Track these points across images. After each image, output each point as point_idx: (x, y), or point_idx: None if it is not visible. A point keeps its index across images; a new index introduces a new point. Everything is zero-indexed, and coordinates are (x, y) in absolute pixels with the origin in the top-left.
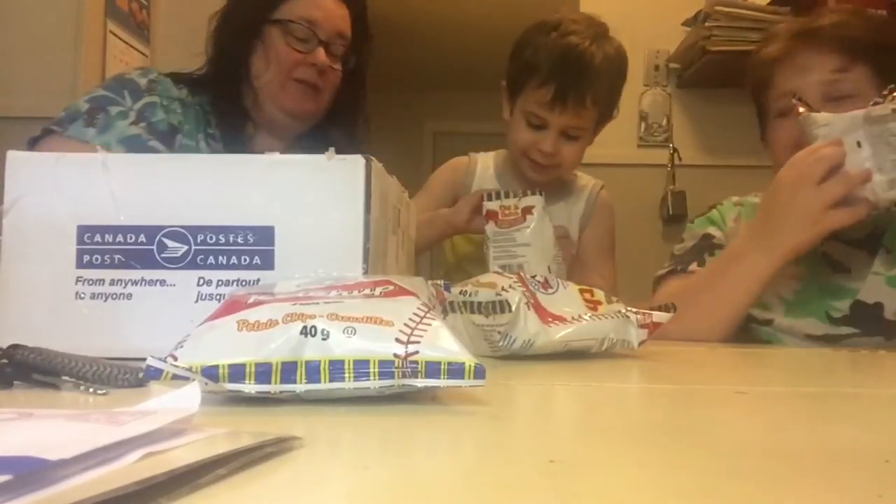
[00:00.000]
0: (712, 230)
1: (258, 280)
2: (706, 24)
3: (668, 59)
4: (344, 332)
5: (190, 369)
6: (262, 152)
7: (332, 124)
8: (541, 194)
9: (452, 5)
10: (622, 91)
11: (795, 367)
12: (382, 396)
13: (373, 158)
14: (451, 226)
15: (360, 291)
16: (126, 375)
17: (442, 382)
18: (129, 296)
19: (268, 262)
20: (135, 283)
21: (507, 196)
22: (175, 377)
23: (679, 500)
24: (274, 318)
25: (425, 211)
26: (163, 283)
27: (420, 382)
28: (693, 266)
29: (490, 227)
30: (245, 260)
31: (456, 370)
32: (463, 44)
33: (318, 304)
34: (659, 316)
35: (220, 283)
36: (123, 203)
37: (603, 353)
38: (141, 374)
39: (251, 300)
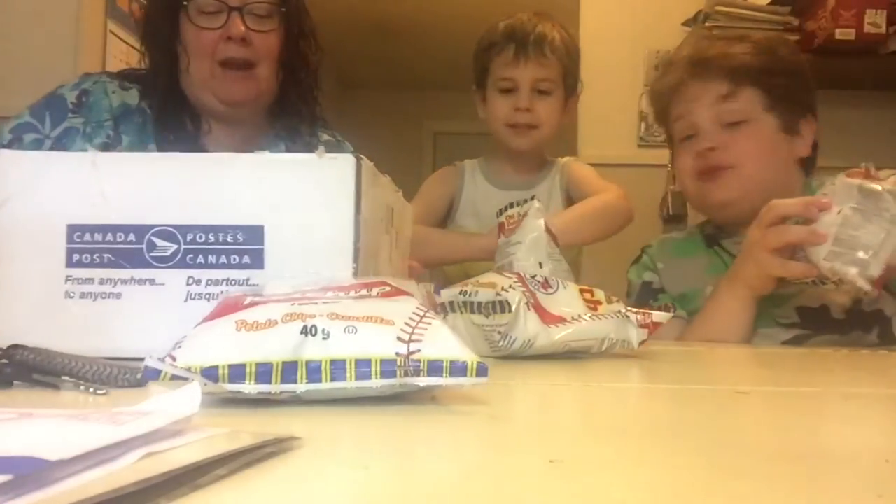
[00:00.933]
0: (647, 276)
1: (248, 279)
2: (706, 24)
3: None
4: (345, 332)
5: (189, 370)
6: (217, 149)
7: (291, 92)
8: (536, 202)
9: (452, 5)
10: (579, 63)
11: (795, 367)
12: (382, 397)
13: (363, 157)
14: (487, 251)
15: (356, 292)
16: (126, 375)
17: (444, 381)
18: (119, 295)
19: (257, 262)
20: (124, 282)
21: (510, 206)
22: (174, 377)
23: (679, 499)
24: (273, 317)
25: (424, 217)
26: (152, 282)
27: (422, 381)
28: None
29: (500, 240)
30: (234, 259)
31: (458, 368)
32: (463, 44)
33: (316, 303)
34: (659, 316)
35: (209, 282)
36: (113, 202)
37: (603, 353)
38: (139, 375)
39: (247, 301)
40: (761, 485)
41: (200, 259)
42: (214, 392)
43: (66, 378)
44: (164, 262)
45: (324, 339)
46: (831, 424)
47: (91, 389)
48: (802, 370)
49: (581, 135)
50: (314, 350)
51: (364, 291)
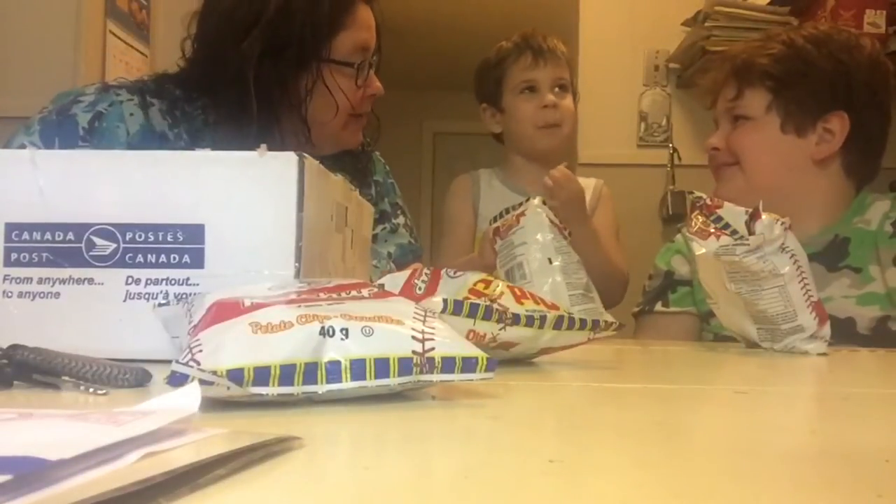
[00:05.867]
0: (676, 261)
1: (188, 279)
2: (706, 24)
3: (667, 59)
4: (362, 332)
5: (215, 373)
6: None
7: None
8: (535, 199)
9: (452, 5)
10: (576, 71)
11: (795, 367)
12: (382, 396)
13: (307, 156)
14: (485, 268)
15: (347, 293)
16: (126, 375)
17: (456, 377)
18: (57, 294)
19: (198, 261)
20: (63, 281)
21: (506, 212)
22: (202, 382)
23: (679, 500)
24: (287, 319)
25: (465, 237)
26: (91, 281)
27: (436, 377)
28: (658, 306)
29: (498, 244)
30: (174, 258)
31: (470, 364)
32: (463, 44)
33: (320, 305)
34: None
35: (148, 281)
36: (52, 200)
37: (603, 353)
38: (137, 374)
39: (248, 303)
40: (761, 485)
41: (140, 258)
42: (235, 395)
43: (66, 378)
44: (104, 261)
45: (342, 339)
46: (831, 424)
47: (91, 389)
48: (802, 370)
49: (581, 135)
50: (334, 350)
51: (355, 293)
